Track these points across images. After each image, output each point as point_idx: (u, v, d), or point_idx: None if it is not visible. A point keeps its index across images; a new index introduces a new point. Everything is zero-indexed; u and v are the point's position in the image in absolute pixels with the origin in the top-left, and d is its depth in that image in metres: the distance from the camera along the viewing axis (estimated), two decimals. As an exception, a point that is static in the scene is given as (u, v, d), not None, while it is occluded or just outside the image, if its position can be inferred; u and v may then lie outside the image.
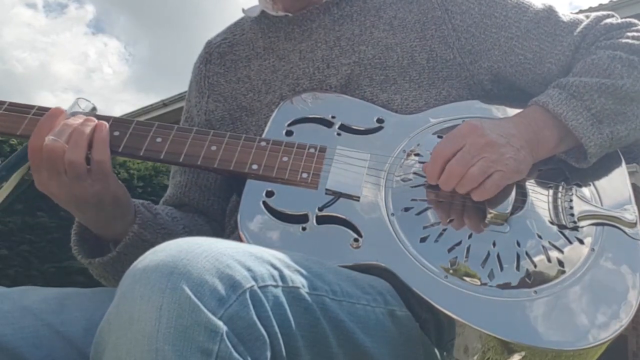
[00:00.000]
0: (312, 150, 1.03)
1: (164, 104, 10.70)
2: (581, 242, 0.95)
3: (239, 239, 0.93)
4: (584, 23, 1.14)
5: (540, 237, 0.94)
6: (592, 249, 0.94)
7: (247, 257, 0.71)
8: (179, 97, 10.02)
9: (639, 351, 6.11)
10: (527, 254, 0.92)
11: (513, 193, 0.97)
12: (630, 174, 1.10)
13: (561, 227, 0.96)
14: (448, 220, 0.96)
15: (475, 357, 0.89)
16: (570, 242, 0.95)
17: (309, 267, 0.79)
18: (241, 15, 1.30)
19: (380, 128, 1.08)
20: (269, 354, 0.67)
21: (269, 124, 1.10)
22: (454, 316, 0.86)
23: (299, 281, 0.76)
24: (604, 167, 1.06)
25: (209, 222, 1.24)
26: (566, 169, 1.05)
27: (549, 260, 0.92)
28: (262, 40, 1.24)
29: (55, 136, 0.94)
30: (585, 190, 1.03)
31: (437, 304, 0.87)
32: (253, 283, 0.68)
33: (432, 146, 1.00)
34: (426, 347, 0.93)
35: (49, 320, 0.92)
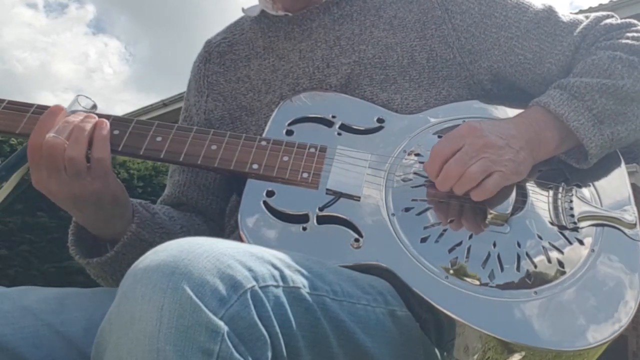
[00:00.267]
0: (312, 150, 1.03)
1: (164, 104, 10.70)
2: (581, 242, 0.95)
3: (239, 239, 0.93)
4: (584, 23, 1.14)
5: (540, 237, 0.94)
6: (592, 250, 0.94)
7: (248, 257, 0.71)
8: (179, 97, 10.02)
9: (639, 351, 6.11)
10: (527, 254, 0.92)
11: (513, 194, 0.97)
12: (630, 174, 1.10)
13: (561, 227, 0.96)
14: (448, 221, 0.96)
15: (476, 357, 0.89)
16: (570, 243, 0.95)
17: (309, 267, 0.79)
18: (241, 14, 1.30)
19: (380, 128, 1.08)
20: (269, 354, 0.67)
21: (269, 123, 1.10)
22: (454, 316, 0.86)
23: (300, 281, 0.76)
24: (603, 167, 1.06)
25: (207, 222, 1.24)
26: (566, 169, 1.05)
27: (549, 260, 0.92)
28: (262, 39, 1.24)
29: (56, 133, 0.94)
30: (585, 191, 1.03)
31: (437, 304, 0.87)
32: (254, 283, 0.68)
33: (432, 146, 1.00)
34: (426, 347, 0.93)
35: (49, 320, 0.92)
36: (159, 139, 1.03)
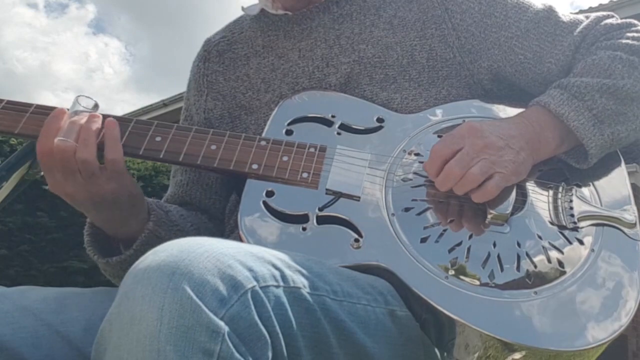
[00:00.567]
0: (312, 149, 1.03)
1: (164, 104, 10.70)
2: (581, 242, 0.95)
3: (239, 239, 0.93)
4: (584, 23, 1.14)
5: (540, 237, 0.94)
6: (592, 250, 0.94)
7: (249, 258, 0.71)
8: (179, 97, 10.02)
9: (639, 351, 6.11)
10: (527, 254, 0.92)
11: (513, 194, 0.97)
12: (630, 174, 1.10)
13: (561, 227, 0.96)
14: (448, 221, 0.96)
15: (476, 355, 0.89)
16: (570, 243, 0.95)
17: (309, 267, 0.79)
18: (241, 14, 1.30)
19: (380, 127, 1.08)
20: (270, 354, 0.67)
21: (268, 123, 1.10)
22: (454, 317, 0.86)
23: (300, 281, 0.76)
24: (603, 167, 1.06)
25: (212, 220, 1.24)
26: (566, 169, 1.05)
27: (549, 260, 0.92)
28: (262, 38, 1.24)
29: (63, 136, 0.94)
30: (585, 191, 1.03)
31: (437, 305, 0.87)
32: (254, 283, 0.68)
33: (432, 146, 1.00)
34: (426, 347, 0.93)
35: (48, 320, 0.92)
36: (158, 138, 1.02)
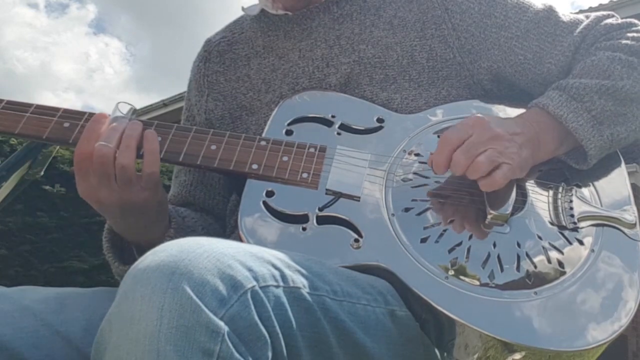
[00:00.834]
0: (312, 150, 1.03)
1: (164, 104, 10.70)
2: (581, 242, 0.95)
3: (239, 239, 0.93)
4: (584, 23, 1.13)
5: (540, 237, 0.94)
6: (592, 250, 0.94)
7: (248, 258, 0.71)
8: (179, 97, 10.03)
9: (639, 351, 6.11)
10: (527, 254, 0.92)
11: (513, 193, 0.97)
12: (630, 174, 1.10)
13: (561, 227, 0.96)
14: (448, 221, 0.96)
15: (476, 356, 0.89)
16: (570, 243, 0.95)
17: (309, 267, 0.79)
18: (241, 13, 1.30)
19: (380, 127, 1.08)
20: (270, 354, 0.67)
21: (268, 123, 1.10)
22: (454, 317, 0.86)
23: (300, 281, 0.76)
24: (603, 167, 1.06)
25: (217, 221, 1.24)
26: (566, 169, 1.05)
27: (549, 261, 0.92)
28: (262, 39, 1.24)
29: (105, 141, 0.94)
30: (585, 191, 1.03)
31: (437, 305, 0.87)
32: (254, 283, 0.68)
33: (432, 146, 1.00)
34: (426, 347, 0.93)
35: (48, 320, 0.92)
36: (158, 138, 1.03)
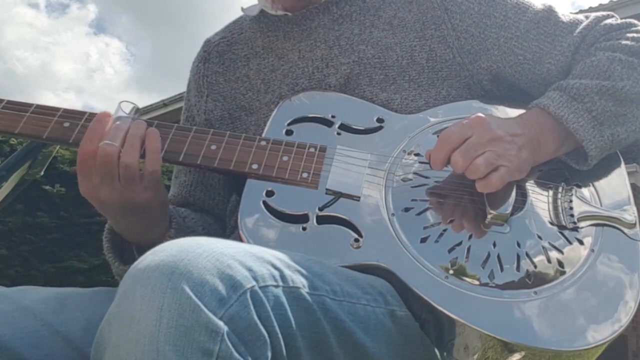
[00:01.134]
0: (312, 149, 1.03)
1: (164, 104, 10.70)
2: (581, 242, 0.95)
3: (239, 239, 0.93)
4: (584, 24, 1.13)
5: (540, 237, 0.94)
6: (592, 250, 0.94)
7: (248, 257, 0.71)
8: (179, 97, 10.03)
9: (639, 351, 6.11)
10: (527, 254, 0.92)
11: (513, 193, 0.97)
12: (630, 174, 1.10)
13: (561, 227, 0.96)
14: (448, 221, 0.96)
15: (476, 356, 0.89)
16: (570, 243, 0.95)
17: (309, 267, 0.79)
18: (241, 14, 1.30)
19: (380, 128, 1.08)
20: (269, 354, 0.67)
21: (268, 123, 1.10)
22: (454, 317, 0.86)
23: (300, 281, 0.76)
24: (603, 167, 1.06)
25: (217, 222, 1.24)
26: (566, 169, 1.05)
27: (549, 260, 0.92)
28: (261, 39, 1.24)
29: (109, 140, 0.94)
30: (585, 191, 1.03)
31: (437, 305, 0.87)
32: (254, 283, 0.68)
33: (431, 146, 1.00)
34: (426, 347, 0.93)
35: (48, 320, 0.92)
36: None
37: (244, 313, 0.65)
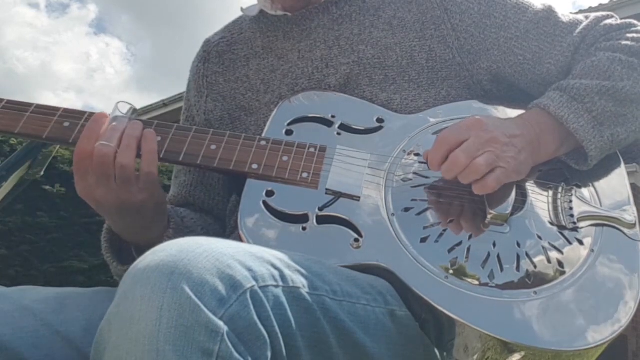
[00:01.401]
0: (312, 149, 1.03)
1: (164, 104, 10.70)
2: (581, 243, 0.95)
3: (239, 239, 0.93)
4: (584, 24, 1.13)
5: (540, 237, 0.94)
6: (592, 250, 0.94)
7: (248, 257, 0.71)
8: (179, 97, 10.03)
9: (639, 351, 6.11)
10: (527, 254, 0.92)
11: (513, 194, 0.97)
12: (630, 174, 1.10)
13: (561, 227, 0.96)
14: (448, 221, 0.96)
15: (475, 357, 0.89)
16: (570, 243, 0.95)
17: (309, 267, 0.79)
18: (241, 14, 1.30)
19: (380, 128, 1.08)
20: (269, 354, 0.67)
21: (268, 123, 1.10)
22: (453, 316, 0.86)
23: (300, 281, 0.76)
24: (603, 168, 1.06)
25: (216, 222, 1.24)
26: (566, 169, 1.05)
27: (548, 261, 0.92)
28: (261, 39, 1.24)
29: (105, 141, 0.94)
30: (585, 191, 1.03)
31: (437, 304, 0.87)
32: (254, 283, 0.68)
33: (432, 146, 1.00)
34: (426, 347, 0.93)
35: (48, 320, 0.92)
36: (158, 138, 1.03)
37: (244, 313, 0.65)
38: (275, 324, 0.68)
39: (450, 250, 0.92)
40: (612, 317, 0.87)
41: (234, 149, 1.02)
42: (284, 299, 0.71)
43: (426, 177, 1.01)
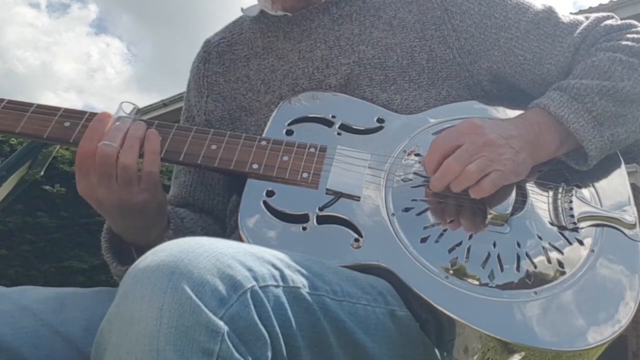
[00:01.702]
0: (312, 149, 1.03)
1: (164, 104, 10.70)
2: (581, 243, 0.95)
3: (239, 239, 0.93)
4: (584, 24, 1.14)
5: (540, 238, 0.94)
6: (592, 250, 0.94)
7: (248, 257, 0.71)
8: (179, 97, 10.03)
9: (639, 351, 6.11)
10: (527, 254, 0.92)
11: (513, 194, 0.97)
12: (630, 174, 1.10)
13: (561, 228, 0.96)
14: (448, 221, 0.96)
15: (475, 357, 0.89)
16: (570, 243, 0.95)
17: (309, 267, 0.79)
18: (241, 14, 1.30)
19: (380, 128, 1.08)
20: (269, 354, 0.67)
21: (269, 123, 1.10)
22: (453, 316, 0.86)
23: (300, 281, 0.76)
24: (603, 168, 1.06)
25: (216, 222, 1.24)
26: (566, 169, 1.05)
27: (549, 261, 0.92)
28: (261, 39, 1.24)
29: (108, 141, 0.94)
30: (585, 192, 1.03)
31: (437, 304, 0.87)
32: (254, 283, 0.68)
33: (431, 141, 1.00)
34: (426, 347, 0.93)
35: (48, 320, 0.92)
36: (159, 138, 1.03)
37: (244, 313, 0.65)
38: (275, 324, 0.68)
39: (450, 250, 0.92)
40: (612, 317, 0.87)
41: (234, 149, 1.02)
42: (284, 299, 0.71)
43: (426, 177, 1.01)
